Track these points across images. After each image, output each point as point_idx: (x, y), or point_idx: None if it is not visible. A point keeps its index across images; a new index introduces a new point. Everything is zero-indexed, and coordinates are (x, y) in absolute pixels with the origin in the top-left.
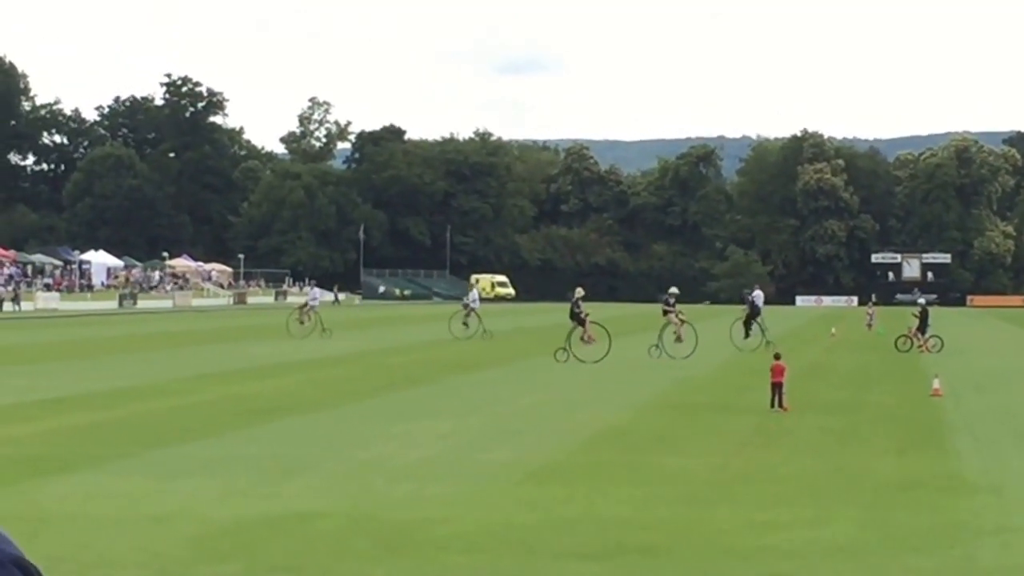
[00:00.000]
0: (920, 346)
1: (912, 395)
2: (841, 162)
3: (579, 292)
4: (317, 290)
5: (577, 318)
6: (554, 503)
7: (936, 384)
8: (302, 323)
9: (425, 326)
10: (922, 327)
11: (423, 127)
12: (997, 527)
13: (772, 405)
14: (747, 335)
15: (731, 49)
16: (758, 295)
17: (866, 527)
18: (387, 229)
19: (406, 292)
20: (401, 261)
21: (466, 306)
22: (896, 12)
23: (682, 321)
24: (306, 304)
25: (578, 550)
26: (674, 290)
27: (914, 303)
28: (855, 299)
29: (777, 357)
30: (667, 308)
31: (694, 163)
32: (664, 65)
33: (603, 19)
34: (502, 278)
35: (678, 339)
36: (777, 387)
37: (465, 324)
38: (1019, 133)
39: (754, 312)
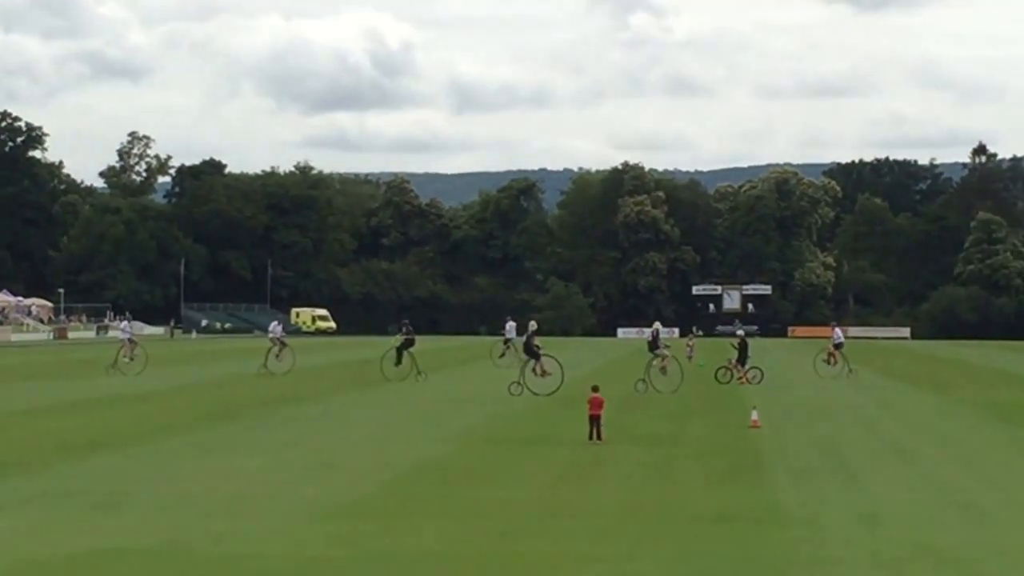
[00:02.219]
0: (740, 378)
1: (730, 427)
2: (661, 194)
3: (532, 326)
4: (125, 323)
5: (532, 352)
6: (365, 538)
7: (755, 416)
8: (132, 359)
9: (245, 360)
10: (742, 358)
11: (244, 161)
12: (812, 560)
13: (590, 437)
14: (398, 363)
15: (552, 80)
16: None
17: (680, 560)
18: (208, 263)
19: (226, 326)
20: (222, 295)
21: (276, 340)
22: (713, 44)
23: (667, 356)
24: (129, 339)
25: None
26: (658, 325)
27: (734, 334)
28: (676, 331)
29: (595, 389)
30: (655, 343)
31: (515, 196)
32: (484, 97)
33: (420, 49)
34: (323, 312)
35: (663, 371)
36: (595, 419)
37: (277, 357)
38: (838, 165)
39: (408, 343)
